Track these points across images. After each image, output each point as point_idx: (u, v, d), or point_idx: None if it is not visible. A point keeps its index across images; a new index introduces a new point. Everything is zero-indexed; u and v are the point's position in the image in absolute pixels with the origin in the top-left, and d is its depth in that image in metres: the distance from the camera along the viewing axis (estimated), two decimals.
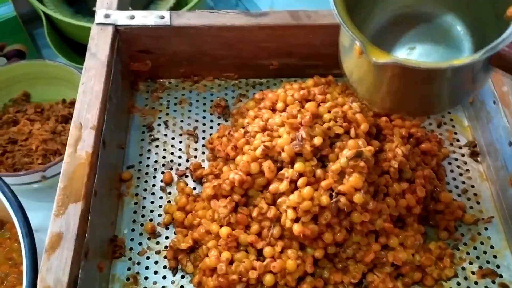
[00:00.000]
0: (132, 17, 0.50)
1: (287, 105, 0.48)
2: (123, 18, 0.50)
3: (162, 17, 0.50)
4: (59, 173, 0.61)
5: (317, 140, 0.43)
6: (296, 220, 0.41)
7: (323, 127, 0.44)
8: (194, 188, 0.49)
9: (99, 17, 0.50)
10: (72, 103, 0.71)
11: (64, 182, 0.39)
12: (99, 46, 0.48)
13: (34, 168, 0.64)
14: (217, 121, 0.54)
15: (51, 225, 0.37)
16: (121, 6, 0.52)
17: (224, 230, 0.42)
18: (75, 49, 0.76)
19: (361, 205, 0.41)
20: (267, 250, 0.42)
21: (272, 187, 0.42)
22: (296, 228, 0.40)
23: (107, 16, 0.50)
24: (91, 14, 0.76)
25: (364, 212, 0.41)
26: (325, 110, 0.45)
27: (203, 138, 0.53)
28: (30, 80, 0.71)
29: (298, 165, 0.42)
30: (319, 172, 0.42)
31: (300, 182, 0.41)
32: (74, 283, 0.36)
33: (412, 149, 0.47)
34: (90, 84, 0.45)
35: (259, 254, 0.43)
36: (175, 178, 0.50)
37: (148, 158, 0.51)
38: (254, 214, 0.43)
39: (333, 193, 0.41)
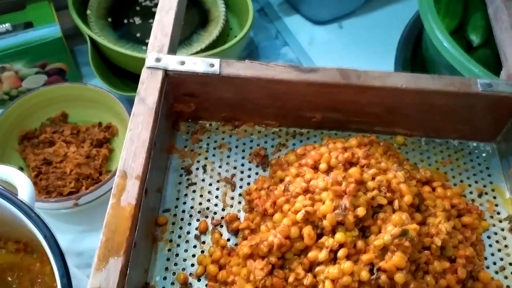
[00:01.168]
0: (183, 63, 0.50)
1: (330, 166, 0.47)
2: (174, 63, 0.50)
3: (212, 65, 0.50)
4: (91, 200, 0.63)
5: (361, 212, 0.42)
6: None
7: (367, 197, 0.43)
8: (229, 240, 0.49)
9: (150, 61, 0.50)
10: (108, 127, 0.72)
11: (106, 235, 0.39)
12: (148, 91, 0.48)
13: (66, 192, 0.65)
14: (255, 170, 0.54)
15: (91, 279, 0.37)
16: (171, 49, 0.52)
17: None
18: (115, 72, 0.77)
19: (402, 285, 0.40)
20: None
21: (311, 254, 0.42)
22: None
23: (158, 60, 0.50)
24: (134, 40, 0.77)
25: None
26: (369, 177, 0.45)
27: (240, 187, 0.53)
28: (69, 102, 0.72)
29: (340, 236, 0.42)
30: (360, 243, 0.42)
31: (341, 253, 0.41)
32: None
33: (454, 225, 0.47)
34: (137, 131, 0.45)
35: None
36: (210, 227, 0.50)
37: (184, 203, 0.51)
38: (290, 279, 0.42)
39: (374, 270, 0.40)
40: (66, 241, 0.66)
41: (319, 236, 0.43)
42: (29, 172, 0.66)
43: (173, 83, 0.51)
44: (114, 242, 0.39)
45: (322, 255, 0.41)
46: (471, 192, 0.54)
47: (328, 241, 0.42)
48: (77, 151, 0.68)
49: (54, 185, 0.65)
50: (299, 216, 0.43)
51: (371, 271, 0.40)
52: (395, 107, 0.54)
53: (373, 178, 0.45)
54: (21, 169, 0.66)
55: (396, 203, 0.44)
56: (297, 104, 0.54)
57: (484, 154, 0.57)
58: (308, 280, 0.42)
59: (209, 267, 0.46)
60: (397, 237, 0.40)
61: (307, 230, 0.42)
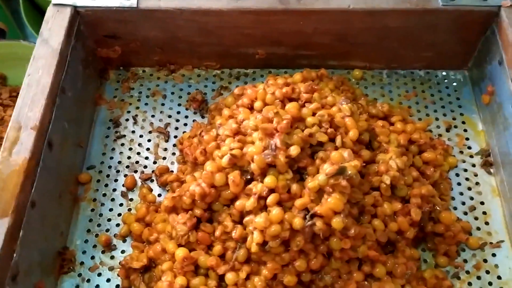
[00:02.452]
0: None
1: (266, 104, 0.41)
2: None
3: None
4: None
5: (294, 150, 0.36)
6: (264, 244, 0.35)
7: (303, 134, 0.37)
8: (160, 195, 0.44)
9: None
10: None
11: None
12: (52, 31, 0.42)
13: None
14: (193, 117, 0.48)
15: None
16: None
17: (180, 252, 0.36)
18: None
19: (341, 230, 0.34)
20: (230, 277, 0.36)
21: (239, 203, 0.36)
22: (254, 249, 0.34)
23: None
24: None
25: (345, 238, 0.35)
26: (309, 113, 0.39)
27: (175, 137, 0.47)
28: (6, 62, 0.66)
29: (269, 179, 0.36)
30: (294, 187, 0.36)
31: (270, 200, 0.35)
32: None
33: (411, 161, 0.40)
34: (36, 76, 0.39)
35: (221, 280, 0.37)
36: (139, 182, 0.44)
37: (112, 158, 0.46)
38: (217, 233, 0.37)
39: (308, 215, 0.34)
40: None
41: (249, 182, 0.37)
42: None
43: (88, 23, 0.45)
44: (1, 200, 0.34)
45: (250, 203, 0.35)
46: (438, 126, 0.47)
47: (256, 187, 0.36)
48: None
49: None
50: (224, 160, 0.37)
51: (305, 217, 0.34)
52: (346, 34, 0.47)
53: (314, 114, 0.39)
54: None
55: (338, 139, 0.37)
56: (234, 39, 0.47)
57: (454, 84, 0.50)
58: (237, 232, 0.36)
59: (133, 225, 0.41)
60: (333, 176, 0.34)
61: (233, 176, 0.36)
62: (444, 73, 0.51)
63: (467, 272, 0.40)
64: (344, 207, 0.34)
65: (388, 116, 0.45)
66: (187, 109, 0.48)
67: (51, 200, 0.39)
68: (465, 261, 0.41)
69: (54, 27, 0.42)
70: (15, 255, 0.33)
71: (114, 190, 0.44)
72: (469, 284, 0.40)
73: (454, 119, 0.48)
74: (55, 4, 0.43)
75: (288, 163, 0.36)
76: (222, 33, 0.47)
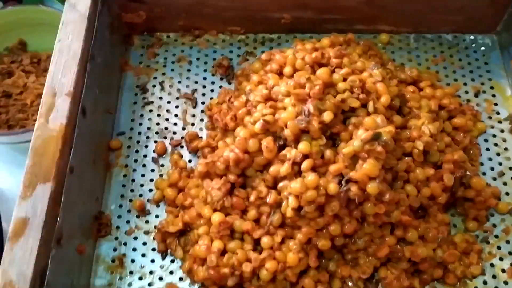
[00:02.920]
0: None
1: (296, 70, 0.41)
2: None
3: None
4: None
5: (327, 116, 0.36)
6: (299, 208, 0.36)
7: (335, 100, 0.37)
8: (190, 161, 0.44)
9: None
10: None
11: (32, 159, 0.34)
12: None
13: (29, 125, 0.60)
14: (219, 83, 0.48)
15: (16, 209, 0.33)
16: None
17: (217, 217, 0.37)
18: None
19: (376, 196, 0.35)
20: (266, 241, 0.37)
21: (273, 169, 0.37)
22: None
23: None
24: None
25: (379, 203, 0.35)
26: (340, 78, 0.38)
27: (203, 103, 0.47)
28: (26, 27, 0.65)
29: (303, 145, 0.36)
30: (328, 153, 0.36)
31: (305, 165, 0.35)
32: (41, 275, 0.32)
33: (442, 127, 0.40)
34: (67, 41, 0.39)
35: (256, 244, 0.38)
36: (169, 148, 0.45)
37: (141, 124, 0.46)
38: (252, 198, 0.37)
39: (343, 181, 0.35)
40: None
41: (283, 148, 0.37)
42: None
43: None
44: (42, 166, 0.34)
45: (284, 169, 0.36)
46: (466, 92, 0.47)
47: (291, 153, 0.36)
48: (37, 81, 0.62)
49: (16, 118, 0.60)
50: (257, 126, 0.37)
51: (340, 183, 0.35)
52: None
53: (344, 79, 0.39)
54: None
55: (370, 105, 0.37)
56: (260, 3, 0.47)
57: (482, 48, 0.50)
58: (271, 197, 0.37)
59: (167, 191, 0.41)
60: (368, 142, 0.34)
61: (266, 142, 0.37)
62: (472, 37, 0.50)
63: (496, 236, 0.41)
64: (379, 172, 0.34)
65: (416, 81, 0.45)
66: (213, 75, 0.48)
67: (86, 165, 0.39)
68: (494, 225, 0.41)
69: None
70: (58, 219, 0.34)
71: (145, 156, 0.44)
72: (498, 248, 0.40)
73: (482, 84, 0.48)
74: None
75: (321, 129, 0.36)
76: None
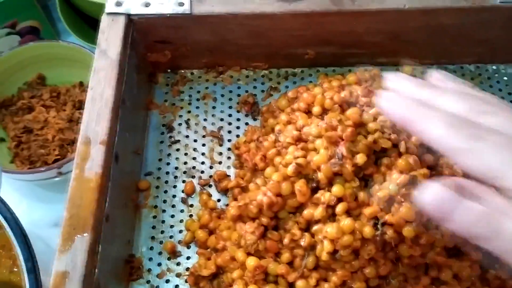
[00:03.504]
0: (147, 5, 0.44)
1: (325, 109, 0.41)
2: (137, 5, 0.44)
3: (181, 4, 0.44)
4: None
5: (360, 159, 0.36)
6: (334, 252, 0.36)
7: (367, 141, 0.37)
8: (219, 200, 0.44)
9: (109, 6, 0.43)
10: None
11: (70, 211, 0.34)
12: (110, 41, 0.42)
13: (51, 160, 0.61)
14: (245, 120, 0.48)
15: (55, 263, 0.33)
16: None
17: (251, 262, 0.37)
18: (92, 25, 0.71)
19: (412, 239, 0.35)
20: (300, 284, 0.37)
21: (306, 212, 0.37)
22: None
23: (118, 4, 0.43)
24: None
25: (415, 245, 0.35)
26: (370, 118, 0.39)
27: (229, 141, 0.47)
28: (44, 62, 0.67)
29: (337, 189, 0.36)
30: (362, 196, 0.36)
31: (339, 209, 0.36)
32: None
33: None
34: (100, 89, 0.39)
35: (290, 287, 0.38)
36: (198, 188, 0.45)
37: (168, 164, 0.46)
38: (286, 241, 0.37)
39: (379, 224, 0.35)
40: (58, 211, 0.62)
41: (315, 190, 0.37)
42: (10, 143, 0.62)
43: (140, 30, 0.45)
44: (79, 218, 0.34)
45: (318, 212, 0.36)
46: None
47: (324, 196, 0.36)
48: (58, 115, 0.63)
49: (37, 154, 0.61)
50: (290, 169, 0.37)
51: (375, 226, 0.35)
52: (398, 33, 0.46)
53: (375, 119, 0.39)
54: (2, 140, 0.63)
55: (402, 145, 0.37)
56: (284, 40, 0.47)
57: (505, 78, 0.50)
58: (305, 241, 0.37)
59: (198, 233, 0.41)
60: (404, 185, 0.34)
61: (299, 185, 0.37)
62: (494, 67, 0.50)
63: None
64: (416, 216, 0.34)
65: None
66: (238, 111, 0.49)
67: (119, 210, 0.40)
68: None
69: (110, 37, 0.42)
70: (96, 270, 0.34)
71: (174, 196, 0.44)
72: None
73: None
74: (109, 13, 0.43)
75: (354, 172, 0.37)
76: (272, 35, 0.47)
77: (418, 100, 0.28)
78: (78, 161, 0.36)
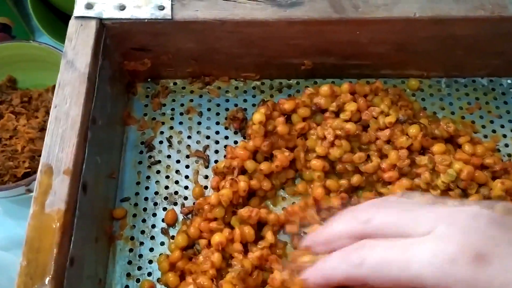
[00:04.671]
0: (122, 7, 0.38)
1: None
2: (110, 8, 0.38)
3: (162, 8, 0.38)
4: None
5: None
6: None
7: None
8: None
9: (78, 9, 0.38)
10: None
11: (27, 256, 0.29)
12: (78, 50, 0.36)
13: (20, 173, 0.55)
14: (234, 138, 0.43)
15: None
16: None
17: None
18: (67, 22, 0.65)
19: None
20: None
21: None
22: None
23: (89, 6, 0.38)
24: None
25: None
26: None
27: (216, 161, 0.42)
28: (15, 63, 0.61)
29: None
30: None
31: None
32: None
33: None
34: (64, 107, 0.34)
35: None
36: (180, 217, 0.40)
37: (147, 188, 0.41)
38: None
39: None
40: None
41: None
42: None
43: (114, 36, 0.39)
44: (38, 265, 0.29)
45: None
46: (506, 145, 0.43)
47: None
48: (28, 124, 0.57)
49: (6, 166, 0.55)
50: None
51: None
52: (405, 43, 0.41)
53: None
54: None
55: None
56: (279, 50, 0.42)
57: None
58: None
59: (168, 276, 0.36)
60: None
61: None
62: (509, 81, 0.46)
63: None
64: None
65: (453, 137, 0.41)
66: (226, 128, 0.44)
67: (88, 248, 0.34)
68: None
69: (78, 46, 0.36)
70: None
71: (153, 226, 0.39)
72: None
73: None
74: (77, 17, 0.38)
75: None
76: (265, 44, 0.41)
77: None
78: (37, 195, 0.31)
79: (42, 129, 0.57)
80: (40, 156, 0.57)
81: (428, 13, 0.38)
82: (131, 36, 0.40)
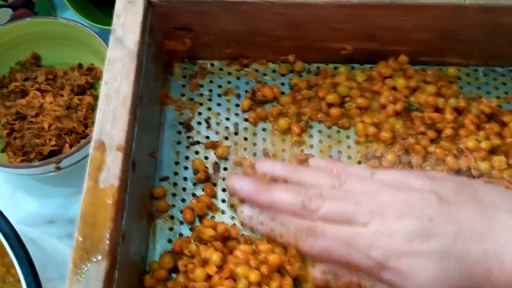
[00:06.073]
0: None
1: None
2: None
3: None
4: (76, 162, 0.53)
5: None
6: None
7: None
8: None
9: None
10: (90, 70, 0.60)
11: (82, 231, 0.29)
12: (127, 28, 0.36)
13: (47, 151, 0.55)
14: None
15: None
16: None
17: None
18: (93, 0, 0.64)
19: None
20: None
21: None
22: None
23: None
24: None
25: None
26: None
27: (254, 144, 0.42)
28: (40, 40, 0.60)
29: None
30: None
31: None
32: None
33: None
34: (115, 84, 0.34)
35: None
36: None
37: (186, 168, 0.41)
38: None
39: None
40: (54, 207, 0.57)
41: None
42: (1, 130, 0.56)
43: (160, 15, 0.39)
44: (93, 240, 0.29)
45: None
46: None
47: None
48: (54, 101, 0.57)
49: (32, 144, 0.55)
50: None
51: None
52: (450, 30, 0.41)
53: None
54: None
55: None
56: (322, 33, 0.42)
57: None
58: None
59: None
60: None
61: None
62: None
63: None
64: None
65: (497, 115, 0.41)
66: None
67: (135, 225, 0.34)
68: None
69: (127, 23, 0.36)
70: None
71: None
72: None
73: None
74: None
75: None
76: (309, 26, 0.41)
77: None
78: (91, 171, 0.31)
79: (69, 107, 0.57)
80: (66, 134, 0.57)
81: (479, 0, 0.38)
82: (176, 15, 0.39)
